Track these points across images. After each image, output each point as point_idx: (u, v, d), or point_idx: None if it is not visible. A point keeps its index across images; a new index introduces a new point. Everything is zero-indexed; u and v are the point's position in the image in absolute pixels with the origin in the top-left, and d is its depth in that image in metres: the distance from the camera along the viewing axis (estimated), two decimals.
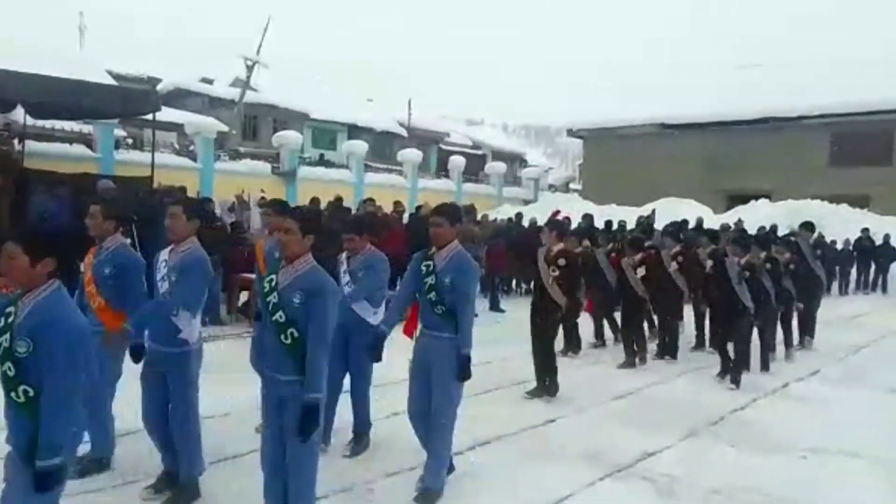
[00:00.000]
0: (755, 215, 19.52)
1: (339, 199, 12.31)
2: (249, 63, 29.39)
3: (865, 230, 18.14)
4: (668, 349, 8.66)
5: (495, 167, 31.82)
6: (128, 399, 4.50)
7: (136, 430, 4.76)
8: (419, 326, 4.39)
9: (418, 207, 13.10)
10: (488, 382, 7.02)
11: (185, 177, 16.52)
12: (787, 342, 9.03)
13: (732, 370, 7.38)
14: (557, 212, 11.57)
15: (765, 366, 8.17)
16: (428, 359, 4.21)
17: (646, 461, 5.02)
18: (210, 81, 31.64)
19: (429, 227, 4.30)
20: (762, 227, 15.85)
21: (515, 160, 40.41)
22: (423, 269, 4.24)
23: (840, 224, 19.52)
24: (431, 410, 4.17)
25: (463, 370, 4.09)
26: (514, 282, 15.05)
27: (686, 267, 8.77)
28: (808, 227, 10.26)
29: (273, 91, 31.48)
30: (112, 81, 20.93)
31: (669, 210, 18.99)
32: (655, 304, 8.85)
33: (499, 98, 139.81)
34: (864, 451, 5.32)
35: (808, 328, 9.69)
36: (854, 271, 18.17)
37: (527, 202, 28.31)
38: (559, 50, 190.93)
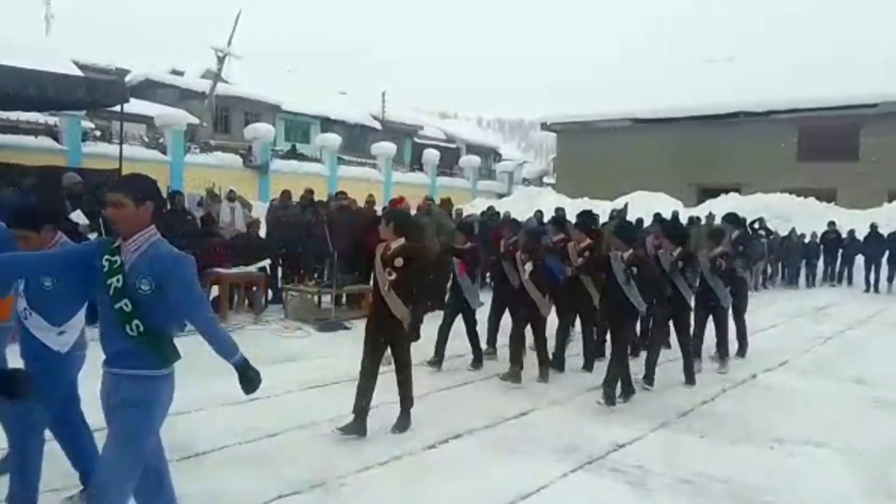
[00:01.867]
0: (724, 208, 19.76)
1: (309, 192, 12.19)
2: (220, 55, 29.00)
3: (832, 223, 18.48)
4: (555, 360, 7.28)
5: (470, 160, 31.86)
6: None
7: None
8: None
9: (392, 201, 12.97)
10: (458, 376, 7.04)
11: (155, 170, 16.20)
12: (720, 351, 7.94)
13: (605, 385, 6.17)
14: (400, 199, 10.71)
15: (689, 379, 7.14)
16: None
17: (617, 452, 5.05)
18: (181, 73, 31.18)
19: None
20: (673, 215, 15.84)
21: (490, 154, 40.47)
22: (105, 265, 2.91)
23: (808, 217, 19.91)
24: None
25: (245, 382, 3.22)
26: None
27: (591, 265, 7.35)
28: (732, 219, 8.97)
29: (245, 83, 31.14)
30: (78, 72, 20.53)
31: (641, 203, 19.18)
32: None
33: (474, 93, 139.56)
34: (831, 441, 5.41)
35: (737, 334, 8.52)
36: (821, 263, 18.50)
37: (501, 196, 28.41)
38: (534, 48, 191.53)
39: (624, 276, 6.20)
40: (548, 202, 20.50)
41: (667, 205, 19.20)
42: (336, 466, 4.53)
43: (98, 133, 20.08)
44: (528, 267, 6.73)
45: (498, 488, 4.31)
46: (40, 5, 31.52)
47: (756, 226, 17.70)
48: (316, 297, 9.97)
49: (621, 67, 77.26)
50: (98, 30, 31.23)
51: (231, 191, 11.85)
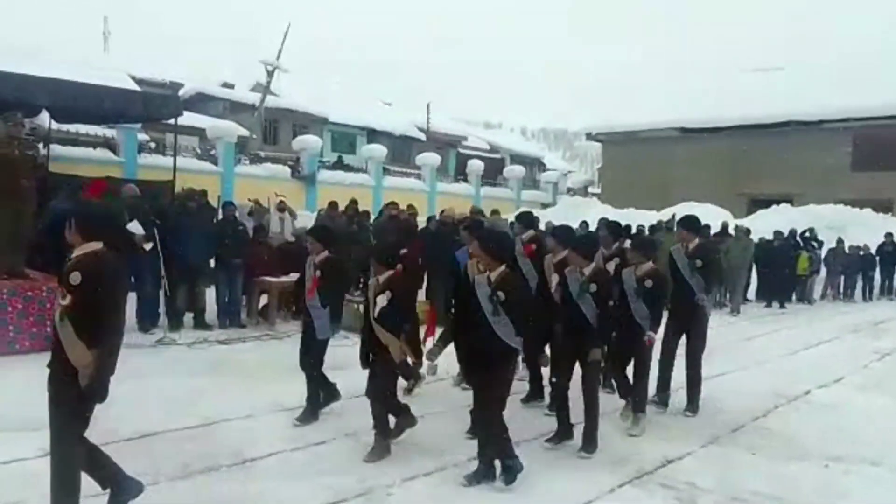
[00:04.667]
0: (777, 219, 19.35)
1: (354, 203, 12.35)
2: (270, 68, 29.62)
3: (889, 235, 17.87)
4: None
5: (514, 170, 31.80)
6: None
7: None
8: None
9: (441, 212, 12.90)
10: None
11: (207, 181, 16.65)
12: (621, 390, 6.09)
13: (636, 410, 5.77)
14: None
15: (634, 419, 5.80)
16: None
17: (666, 468, 4.98)
18: (231, 86, 31.92)
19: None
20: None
21: (534, 164, 40.34)
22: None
23: (863, 229, 19.29)
24: None
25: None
26: None
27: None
28: (688, 224, 6.59)
29: (293, 95, 31.70)
30: (135, 87, 21.20)
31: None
32: None
33: (517, 102, 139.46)
34: (887, 460, 5.25)
35: (687, 381, 6.50)
36: (878, 276, 17.92)
37: (545, 206, 28.26)
38: (577, 53, 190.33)
39: (636, 292, 5.70)
40: (593, 212, 20.31)
41: (716, 216, 18.84)
42: (383, 475, 4.58)
43: (153, 145, 20.68)
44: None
45: (546, 500, 4.30)
46: (98, 23, 32.79)
47: (807, 235, 17.30)
48: (361, 307, 10.03)
49: (668, 72, 76.28)
50: (152, 45, 32.12)
51: (281, 201, 12.07)
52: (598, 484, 4.60)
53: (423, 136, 35.89)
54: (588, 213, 20.38)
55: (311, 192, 22.61)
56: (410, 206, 12.35)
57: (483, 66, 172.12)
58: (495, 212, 13.48)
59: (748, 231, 15.27)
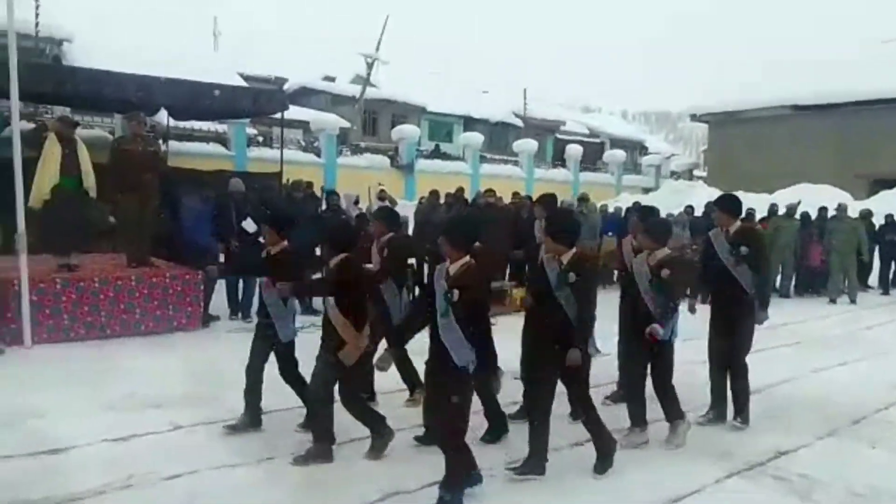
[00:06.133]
0: None
1: (460, 191, 12.47)
2: (369, 60, 30.23)
3: None
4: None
5: (614, 155, 31.15)
6: None
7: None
8: None
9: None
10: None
11: (311, 172, 17.27)
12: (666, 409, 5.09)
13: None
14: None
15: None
16: None
17: (779, 460, 4.79)
18: (332, 79, 32.80)
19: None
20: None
21: (635, 147, 39.31)
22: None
23: None
24: None
25: None
26: None
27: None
28: (726, 204, 5.70)
29: (391, 86, 32.24)
30: (243, 83, 22.19)
31: (804, 197, 17.84)
32: None
33: (617, 85, 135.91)
34: None
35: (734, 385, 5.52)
36: None
37: (647, 190, 27.53)
38: (679, 31, 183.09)
39: (647, 284, 4.93)
40: (698, 197, 19.58)
41: (834, 198, 17.74)
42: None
43: (260, 139, 21.61)
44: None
45: (650, 490, 4.24)
46: (209, 23, 34.54)
47: None
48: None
49: (777, 45, 72.04)
50: (259, 43, 33.45)
51: (382, 190, 12.34)
52: (705, 474, 4.49)
53: (520, 123, 35.68)
54: (693, 197, 19.66)
55: (409, 181, 22.99)
56: (516, 194, 12.33)
57: (581, 49, 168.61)
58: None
59: (868, 213, 14.26)
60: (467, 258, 4.00)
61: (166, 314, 7.96)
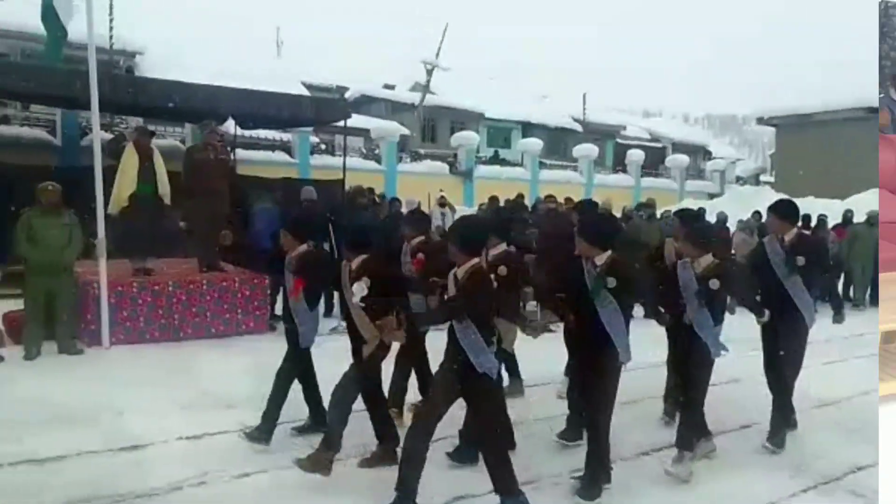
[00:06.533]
0: None
1: (520, 197, 12.48)
2: (429, 67, 30.51)
3: None
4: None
5: (676, 160, 30.59)
6: None
7: None
8: None
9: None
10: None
11: (372, 179, 17.54)
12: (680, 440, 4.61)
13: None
14: None
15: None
16: None
17: (856, 475, 4.62)
18: (392, 87, 33.22)
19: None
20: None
21: (698, 152, 38.46)
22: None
23: None
24: None
25: None
26: None
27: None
28: (782, 210, 5.29)
29: (449, 93, 32.45)
30: (306, 92, 22.69)
31: (877, 204, 17.14)
32: None
33: (679, 88, 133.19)
34: None
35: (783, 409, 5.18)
36: None
37: (712, 196, 26.94)
38: (743, 32, 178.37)
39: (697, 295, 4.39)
40: (765, 203, 19.05)
41: None
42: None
43: (323, 147, 22.05)
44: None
45: (722, 500, 4.15)
46: (272, 33, 35.54)
47: None
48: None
49: (848, 43, 69.44)
50: (320, 51, 34.21)
51: (442, 196, 12.46)
52: (779, 487, 4.37)
53: (579, 128, 35.36)
54: (759, 203, 19.10)
55: (468, 188, 23.09)
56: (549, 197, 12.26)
57: (640, 52, 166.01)
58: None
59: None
60: (475, 260, 3.81)
61: (235, 317, 8.20)
